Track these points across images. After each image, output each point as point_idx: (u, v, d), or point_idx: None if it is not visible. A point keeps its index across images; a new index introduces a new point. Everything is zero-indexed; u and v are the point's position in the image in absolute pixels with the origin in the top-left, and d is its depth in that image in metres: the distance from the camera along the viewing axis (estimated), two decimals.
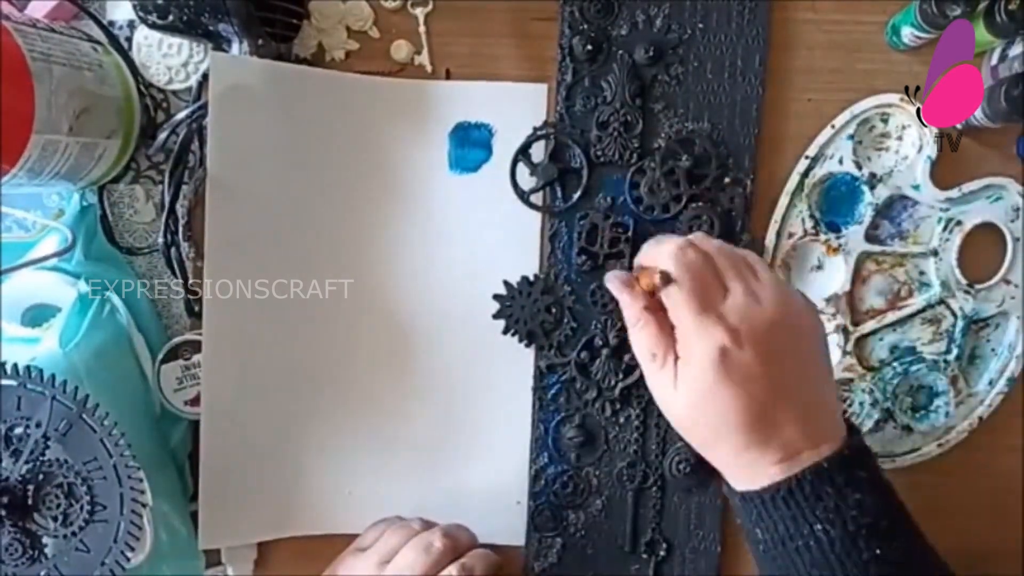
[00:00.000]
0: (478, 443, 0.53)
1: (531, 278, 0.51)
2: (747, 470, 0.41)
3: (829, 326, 0.51)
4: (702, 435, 0.42)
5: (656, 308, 0.43)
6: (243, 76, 0.48)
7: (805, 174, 0.50)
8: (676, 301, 0.41)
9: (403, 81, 0.51)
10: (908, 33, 0.48)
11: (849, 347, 0.51)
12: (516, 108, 0.51)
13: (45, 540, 0.42)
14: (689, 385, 0.40)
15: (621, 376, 0.51)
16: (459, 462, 0.53)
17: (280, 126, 0.49)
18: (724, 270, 0.42)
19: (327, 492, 0.53)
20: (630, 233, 0.50)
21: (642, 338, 0.43)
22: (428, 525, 0.50)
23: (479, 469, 0.53)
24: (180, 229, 0.51)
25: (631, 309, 0.44)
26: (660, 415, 0.51)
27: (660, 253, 0.43)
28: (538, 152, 0.51)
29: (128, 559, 0.42)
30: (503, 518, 0.52)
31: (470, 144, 0.51)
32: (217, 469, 0.51)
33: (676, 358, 0.42)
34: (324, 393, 0.52)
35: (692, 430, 0.42)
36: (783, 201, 0.51)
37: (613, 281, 0.45)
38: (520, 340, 0.51)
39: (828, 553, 0.38)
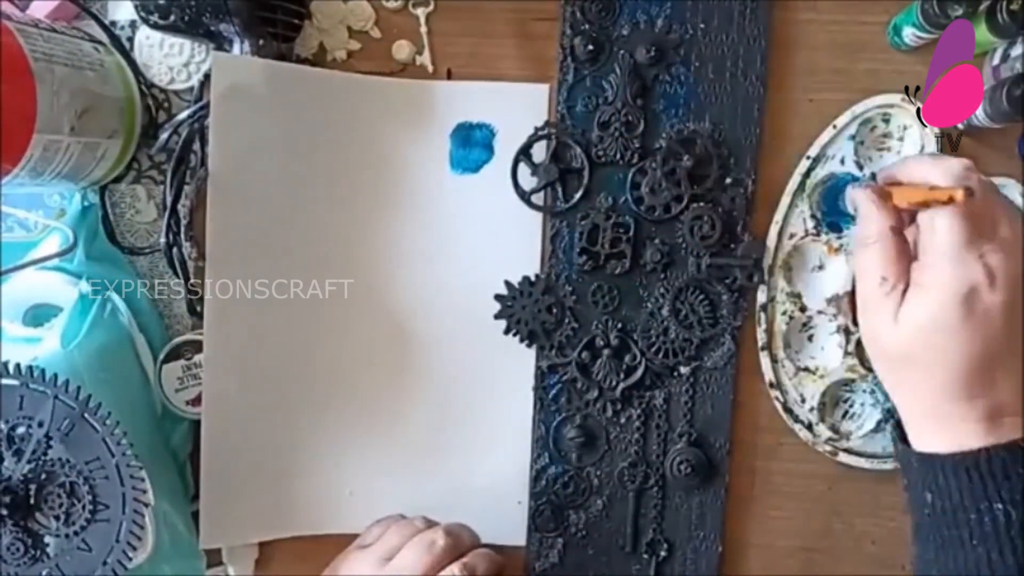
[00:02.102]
0: (479, 443, 0.53)
1: (532, 278, 0.51)
2: (941, 423, 0.38)
3: (831, 326, 0.51)
4: (908, 374, 0.39)
5: (898, 232, 0.40)
6: (244, 76, 0.48)
7: (806, 174, 0.50)
8: (944, 225, 0.38)
9: (404, 81, 0.51)
10: (910, 33, 0.48)
11: (851, 347, 0.51)
12: (517, 108, 0.51)
13: (47, 539, 0.42)
14: (920, 316, 0.38)
15: (622, 376, 0.51)
16: (460, 462, 0.53)
17: (281, 126, 0.49)
18: (996, 210, 0.39)
19: (328, 492, 0.53)
20: (631, 233, 0.50)
21: (877, 258, 0.40)
22: (431, 524, 0.50)
23: (480, 469, 0.53)
24: (182, 229, 0.51)
25: (875, 225, 0.41)
26: (661, 416, 0.51)
27: (943, 171, 0.39)
28: (539, 152, 0.51)
29: (130, 558, 0.42)
30: (504, 518, 0.53)
31: (471, 144, 0.51)
32: (218, 469, 0.51)
33: (904, 287, 0.39)
34: (325, 393, 0.52)
35: (898, 365, 0.40)
36: (784, 201, 0.51)
37: (865, 192, 0.42)
38: (521, 340, 0.51)
39: (1002, 532, 0.36)
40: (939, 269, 0.38)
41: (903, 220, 0.41)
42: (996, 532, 0.37)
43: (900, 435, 0.41)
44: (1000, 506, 0.37)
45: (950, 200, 0.38)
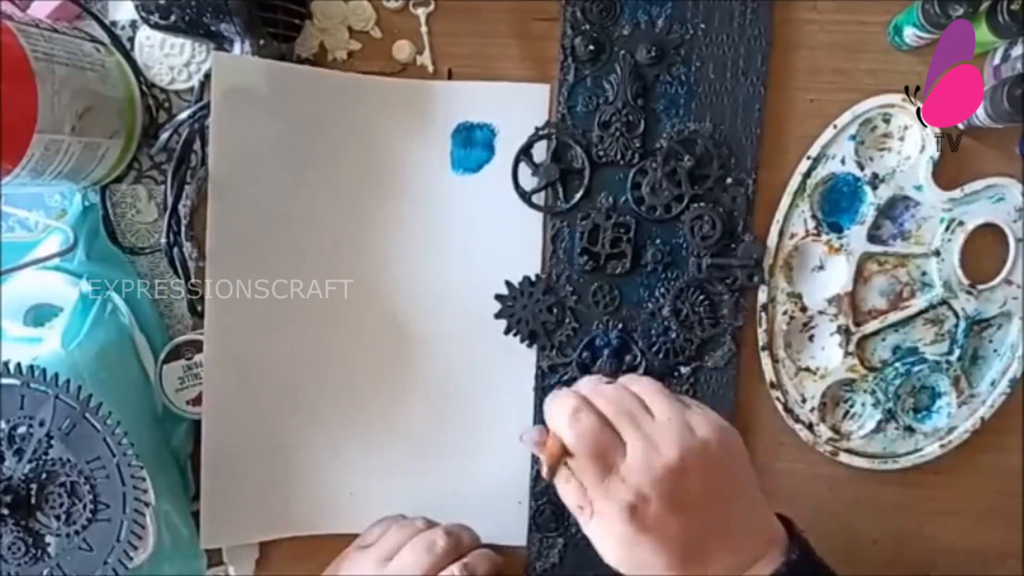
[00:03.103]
0: (479, 443, 0.53)
1: (533, 278, 0.51)
2: None
3: (831, 326, 0.51)
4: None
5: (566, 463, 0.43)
6: (245, 76, 0.48)
7: (807, 174, 0.50)
8: (578, 469, 0.41)
9: (405, 81, 0.51)
10: (910, 33, 0.48)
11: (851, 347, 0.51)
12: (518, 108, 0.51)
13: (48, 539, 0.42)
14: (609, 537, 0.40)
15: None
16: (460, 462, 0.53)
17: (282, 126, 0.49)
18: (619, 423, 0.41)
19: (328, 492, 0.53)
20: (632, 233, 0.50)
21: (566, 493, 0.42)
22: (431, 524, 0.50)
23: (480, 469, 0.53)
24: (182, 229, 0.51)
25: (544, 468, 0.43)
26: None
27: (556, 420, 0.42)
28: (540, 152, 0.51)
29: (131, 558, 0.42)
30: (504, 518, 0.52)
31: (472, 144, 0.51)
32: (218, 469, 0.51)
33: None
34: (325, 393, 0.52)
35: (622, 571, 0.42)
36: (785, 201, 0.51)
37: (527, 442, 0.45)
38: (522, 340, 0.52)
39: None
40: (598, 504, 0.40)
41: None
42: None
43: None
44: None
45: (567, 455, 0.41)
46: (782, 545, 0.41)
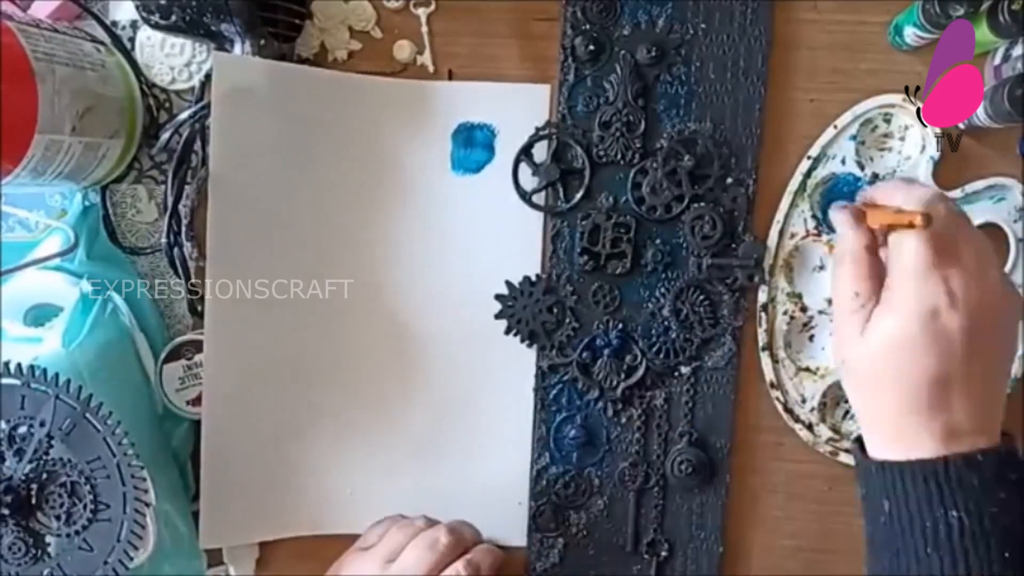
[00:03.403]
0: (479, 443, 0.53)
1: (533, 278, 0.51)
2: (900, 435, 0.40)
3: (831, 326, 0.51)
4: (871, 386, 0.41)
5: (873, 251, 0.42)
6: (245, 76, 0.48)
7: (807, 174, 0.50)
8: (910, 247, 0.40)
9: (405, 81, 0.51)
10: (911, 33, 0.48)
11: None
12: (518, 108, 0.51)
13: (48, 539, 0.42)
14: (884, 332, 0.40)
15: (623, 376, 0.51)
16: (460, 463, 0.53)
17: (282, 126, 0.49)
18: (962, 237, 0.40)
19: (328, 492, 0.53)
20: (632, 233, 0.50)
21: (850, 274, 0.42)
22: (432, 523, 0.50)
23: (480, 470, 0.53)
24: (183, 229, 0.51)
25: (852, 244, 0.43)
26: (662, 416, 0.52)
27: (911, 197, 0.41)
28: (540, 152, 0.51)
29: (131, 558, 0.42)
30: (505, 518, 0.53)
31: (472, 144, 0.51)
32: (219, 469, 0.51)
33: (875, 305, 0.41)
34: (325, 393, 0.52)
35: (862, 379, 0.41)
36: (785, 201, 0.51)
37: (842, 213, 0.44)
38: (522, 340, 0.52)
39: (956, 540, 0.38)
40: (903, 289, 0.40)
41: (878, 240, 0.43)
42: (950, 540, 0.38)
43: (860, 448, 0.43)
44: (955, 513, 0.38)
45: (911, 224, 0.39)
46: (999, 435, 0.40)
